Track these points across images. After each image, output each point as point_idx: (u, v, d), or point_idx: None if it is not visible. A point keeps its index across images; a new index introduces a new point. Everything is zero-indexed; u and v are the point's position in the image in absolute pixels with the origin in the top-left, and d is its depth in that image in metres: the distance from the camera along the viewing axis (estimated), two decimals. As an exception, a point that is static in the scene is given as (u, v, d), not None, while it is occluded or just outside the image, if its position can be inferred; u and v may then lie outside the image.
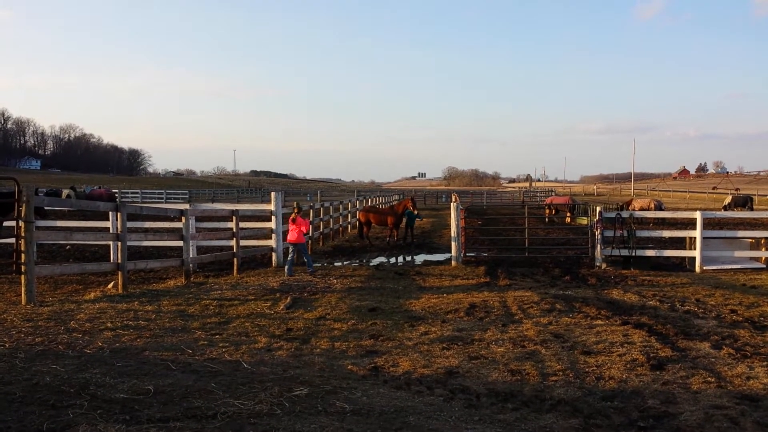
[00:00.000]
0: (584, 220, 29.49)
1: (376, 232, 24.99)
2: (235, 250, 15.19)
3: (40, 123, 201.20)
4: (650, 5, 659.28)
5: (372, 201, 40.12)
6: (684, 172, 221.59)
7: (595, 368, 6.60)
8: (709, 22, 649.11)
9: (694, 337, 8.02)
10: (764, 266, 16.17)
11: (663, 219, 31.28)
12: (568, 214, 35.09)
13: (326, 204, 25.00)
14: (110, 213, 15.60)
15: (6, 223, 12.96)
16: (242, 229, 15.83)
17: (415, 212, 22.64)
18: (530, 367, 6.62)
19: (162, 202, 57.80)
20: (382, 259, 19.28)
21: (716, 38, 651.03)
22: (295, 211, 15.31)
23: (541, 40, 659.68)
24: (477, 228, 25.85)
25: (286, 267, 14.37)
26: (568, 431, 4.91)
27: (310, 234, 20.79)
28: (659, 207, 34.62)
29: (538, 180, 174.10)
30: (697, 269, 15.74)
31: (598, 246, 16.39)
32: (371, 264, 17.78)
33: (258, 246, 17.05)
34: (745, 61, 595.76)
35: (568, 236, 24.83)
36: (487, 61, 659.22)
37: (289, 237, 14.98)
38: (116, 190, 62.58)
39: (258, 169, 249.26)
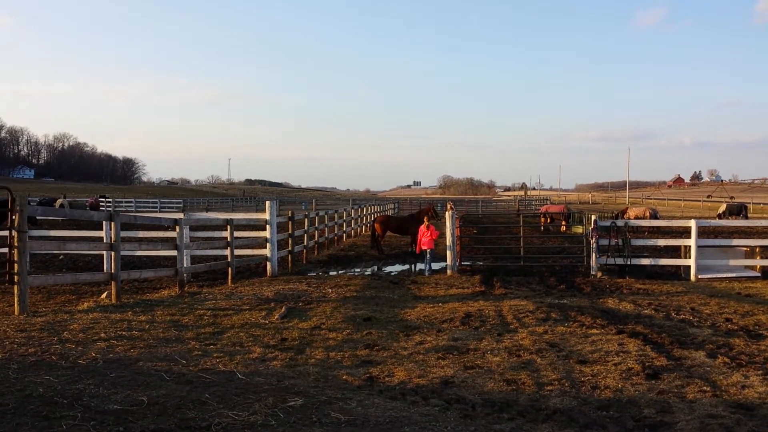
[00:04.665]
0: (579, 229, 29.61)
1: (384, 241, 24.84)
2: (229, 260, 15.15)
3: (33, 132, 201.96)
4: (652, 13, 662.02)
5: (367, 210, 40.12)
6: (679, 181, 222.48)
7: (590, 377, 6.59)
8: (708, 29, 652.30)
9: (689, 346, 8.02)
10: (759, 275, 16.20)
11: (658, 227, 31.40)
12: (564, 223, 35.15)
13: (321, 213, 24.99)
14: (104, 222, 15.53)
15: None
16: (237, 238, 15.79)
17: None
18: (526, 376, 6.61)
19: (156, 212, 57.72)
20: (377, 268, 19.26)
21: (713, 46, 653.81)
22: (426, 220, 18.52)
23: (537, 49, 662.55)
24: (472, 237, 25.87)
25: (426, 268, 17.22)
26: (564, 441, 4.89)
27: (305, 243, 20.78)
28: (654, 215, 34.73)
29: (533, 188, 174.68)
30: (692, 278, 15.76)
31: (593, 255, 16.41)
32: (366, 273, 17.78)
33: (253, 255, 17.01)
34: (741, 69, 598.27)
35: (564, 245, 24.87)
36: (482, 69, 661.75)
37: (426, 244, 17.56)
38: (109, 199, 62.55)
39: (253, 178, 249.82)
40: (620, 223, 17.02)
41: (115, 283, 11.39)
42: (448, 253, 16.98)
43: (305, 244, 20.79)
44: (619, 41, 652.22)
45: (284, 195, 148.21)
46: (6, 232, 10.02)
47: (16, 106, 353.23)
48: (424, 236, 17.78)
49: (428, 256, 17.53)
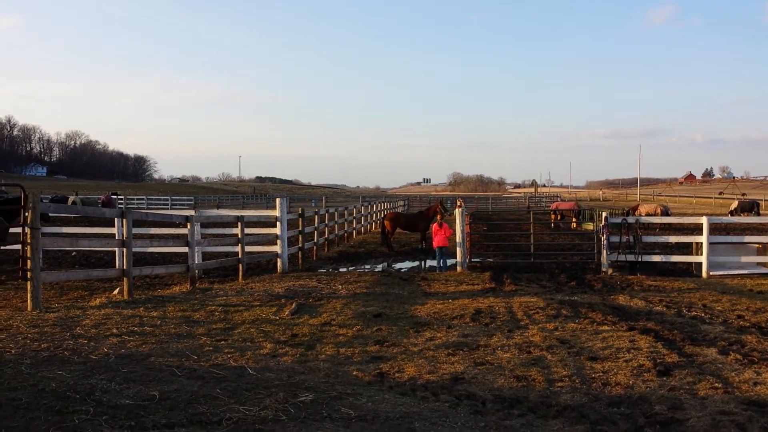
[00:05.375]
0: (590, 226, 29.48)
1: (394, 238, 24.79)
2: (240, 256, 15.22)
3: (45, 130, 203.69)
4: (660, 11, 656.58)
5: (377, 207, 40.14)
6: (690, 177, 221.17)
7: (601, 374, 6.57)
8: (718, 27, 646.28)
9: (701, 343, 7.98)
10: (771, 271, 16.08)
11: (669, 224, 31.23)
12: (574, 220, 35.04)
13: (331, 210, 25.03)
14: (116, 219, 15.64)
15: (12, 230, 13.02)
16: (247, 235, 15.85)
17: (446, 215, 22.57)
18: (536, 373, 6.60)
19: (167, 208, 58.00)
20: (387, 264, 19.27)
21: (724, 44, 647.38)
22: (438, 218, 19.09)
23: (545, 48, 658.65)
24: (482, 233, 25.82)
25: (438, 266, 17.35)
26: (574, 437, 4.88)
27: (315, 240, 20.82)
28: (665, 212, 34.56)
29: (544, 185, 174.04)
30: (704, 274, 15.67)
31: (604, 251, 16.35)
32: (376, 270, 17.79)
33: (263, 252, 17.07)
34: (753, 66, 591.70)
35: (574, 242, 24.79)
36: (492, 66, 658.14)
37: (440, 242, 17.66)
38: (122, 196, 62.92)
39: (263, 176, 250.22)
40: (631, 219, 16.94)
41: (127, 279, 11.46)
42: (458, 250, 16.97)
43: (315, 240, 20.83)
44: (629, 39, 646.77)
45: (294, 192, 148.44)
46: (19, 229, 10.10)
47: (27, 106, 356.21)
48: (437, 234, 17.82)
49: (441, 253, 17.55)
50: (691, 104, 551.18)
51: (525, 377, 6.44)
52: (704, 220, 16.20)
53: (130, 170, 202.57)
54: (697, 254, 16.30)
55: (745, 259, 16.49)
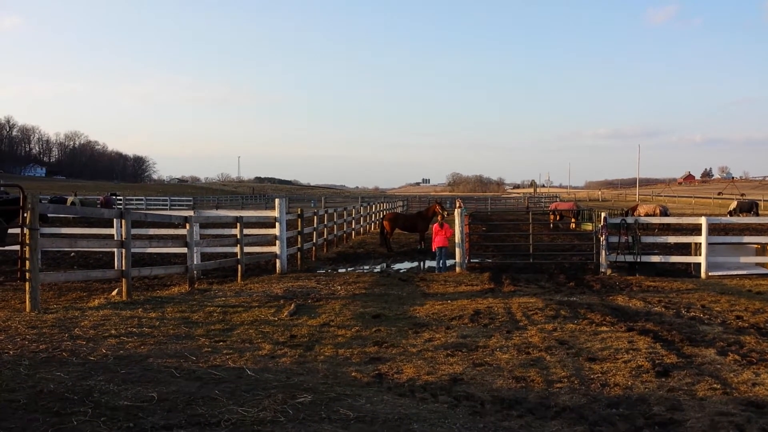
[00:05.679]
0: (589, 226, 29.51)
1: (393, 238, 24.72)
2: (239, 257, 15.21)
3: (45, 130, 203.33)
4: (662, 10, 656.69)
5: (376, 207, 40.13)
6: (689, 178, 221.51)
7: (600, 375, 6.57)
8: (719, 27, 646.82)
9: (699, 344, 7.98)
10: (770, 272, 16.09)
11: (668, 224, 31.26)
12: (573, 220, 35.05)
13: (330, 210, 25.01)
14: (114, 220, 15.62)
15: (10, 230, 13.02)
16: (246, 235, 15.84)
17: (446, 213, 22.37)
18: (535, 373, 6.59)
19: (166, 209, 57.97)
20: (386, 265, 19.27)
21: (724, 43, 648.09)
22: (439, 218, 18.78)
23: (546, 47, 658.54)
24: (481, 234, 25.82)
25: (438, 267, 17.29)
26: (573, 438, 4.88)
27: (314, 240, 20.81)
28: (664, 212, 34.59)
29: (543, 186, 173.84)
30: (703, 275, 15.67)
31: (603, 252, 16.35)
32: (375, 270, 17.79)
33: (262, 252, 17.06)
34: (753, 66, 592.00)
35: (573, 242, 24.80)
36: (490, 66, 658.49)
37: (440, 242, 17.54)
38: (121, 197, 62.90)
39: (262, 176, 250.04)
40: (630, 220, 16.95)
41: (126, 280, 11.46)
42: (457, 250, 16.97)
43: (314, 241, 20.82)
44: (629, 39, 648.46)
45: (293, 193, 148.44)
46: (18, 230, 10.10)
47: (27, 106, 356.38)
48: (438, 234, 17.76)
49: (441, 253, 17.49)
50: (691, 104, 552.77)
51: (524, 378, 6.43)
52: (703, 221, 16.21)
53: (129, 171, 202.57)
54: (695, 255, 16.30)
55: (743, 259, 16.50)
